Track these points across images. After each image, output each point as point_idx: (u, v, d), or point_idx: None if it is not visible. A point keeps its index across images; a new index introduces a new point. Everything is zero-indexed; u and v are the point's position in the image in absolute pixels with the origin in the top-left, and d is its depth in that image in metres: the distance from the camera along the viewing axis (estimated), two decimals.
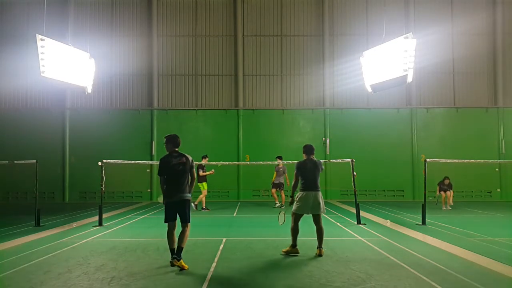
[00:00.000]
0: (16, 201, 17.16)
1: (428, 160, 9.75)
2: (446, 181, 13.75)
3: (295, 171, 6.48)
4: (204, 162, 12.72)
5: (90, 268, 5.47)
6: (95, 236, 8.08)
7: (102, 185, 9.84)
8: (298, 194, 6.40)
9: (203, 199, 12.90)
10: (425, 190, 9.92)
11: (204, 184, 12.77)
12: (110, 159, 10.51)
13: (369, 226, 9.33)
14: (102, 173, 9.80)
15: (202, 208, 12.92)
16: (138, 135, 17.52)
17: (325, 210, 6.54)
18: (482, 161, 12.19)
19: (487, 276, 5.07)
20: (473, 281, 4.77)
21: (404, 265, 5.53)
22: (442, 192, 13.84)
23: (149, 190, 17.42)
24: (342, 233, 8.51)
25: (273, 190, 13.80)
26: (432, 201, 14.71)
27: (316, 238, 6.39)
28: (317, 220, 6.42)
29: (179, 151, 5.82)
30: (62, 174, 17.40)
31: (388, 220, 9.98)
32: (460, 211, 13.02)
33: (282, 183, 13.57)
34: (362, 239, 7.67)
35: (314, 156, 6.63)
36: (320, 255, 6.18)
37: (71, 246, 7.05)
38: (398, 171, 17.32)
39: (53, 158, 17.12)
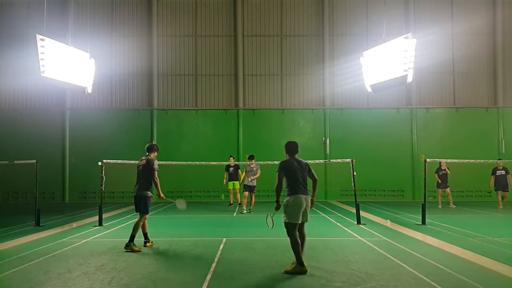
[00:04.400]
0: (16, 201, 17.16)
1: (428, 160, 9.75)
2: (443, 166, 13.77)
3: (277, 172, 5.44)
4: (230, 161, 13.88)
5: (90, 268, 5.47)
6: (95, 236, 8.08)
7: (102, 185, 9.85)
8: (287, 200, 5.34)
9: (231, 197, 14.42)
10: (425, 190, 9.94)
11: (230, 183, 13.97)
12: (110, 159, 10.51)
13: (369, 226, 9.33)
14: (102, 173, 9.80)
15: (239, 204, 13.95)
16: (138, 135, 17.50)
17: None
18: (482, 161, 12.17)
19: (487, 276, 5.06)
20: (473, 281, 4.77)
21: (404, 265, 5.53)
22: (439, 190, 13.92)
23: None
24: (342, 233, 8.51)
25: (246, 193, 12.24)
26: (431, 201, 14.69)
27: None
28: (301, 226, 5.45)
29: (148, 155, 7.03)
30: (62, 174, 17.40)
31: (388, 220, 9.97)
32: (460, 211, 13.01)
33: (255, 185, 12.27)
34: (362, 239, 7.66)
35: (297, 156, 5.65)
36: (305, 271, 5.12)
37: (71, 246, 7.05)
38: (398, 171, 17.31)
39: (53, 158, 17.11)
